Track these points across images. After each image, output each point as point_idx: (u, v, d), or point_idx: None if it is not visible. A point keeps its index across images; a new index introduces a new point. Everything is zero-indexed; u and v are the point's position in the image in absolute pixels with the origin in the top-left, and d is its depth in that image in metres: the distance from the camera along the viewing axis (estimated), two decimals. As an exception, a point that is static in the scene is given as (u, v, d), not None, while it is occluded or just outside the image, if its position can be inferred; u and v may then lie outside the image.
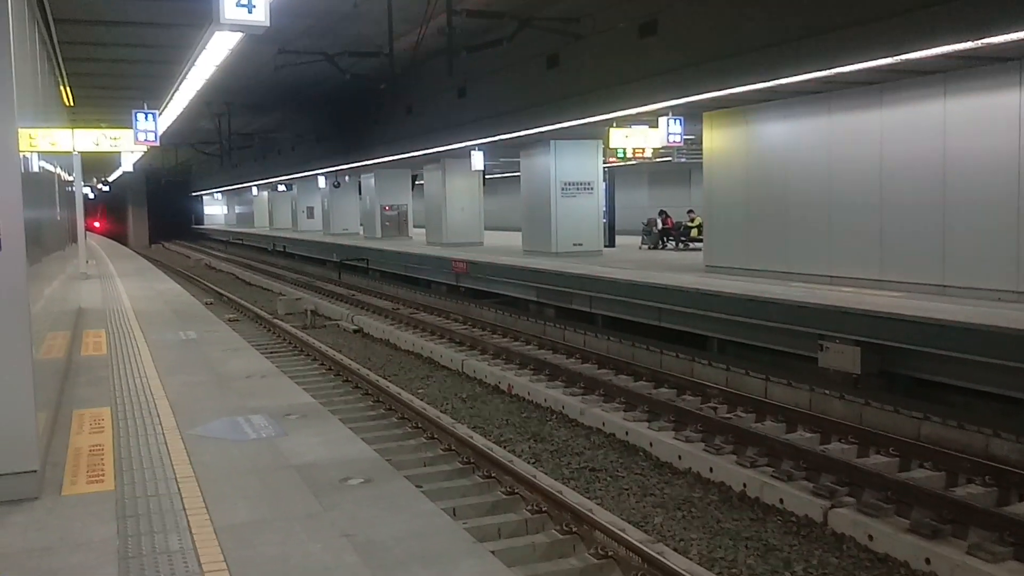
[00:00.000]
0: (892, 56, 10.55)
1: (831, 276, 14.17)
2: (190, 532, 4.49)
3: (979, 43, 9.65)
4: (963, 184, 12.09)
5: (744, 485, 8.06)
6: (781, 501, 7.64)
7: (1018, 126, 11.36)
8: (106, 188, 60.82)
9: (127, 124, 14.61)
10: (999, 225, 11.65)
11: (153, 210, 65.04)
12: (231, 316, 20.13)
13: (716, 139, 17.15)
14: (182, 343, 10.80)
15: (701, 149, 17.87)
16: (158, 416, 6.93)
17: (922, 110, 12.64)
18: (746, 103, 15.49)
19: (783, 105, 15.05)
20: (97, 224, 64.84)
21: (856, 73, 11.76)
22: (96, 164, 37.62)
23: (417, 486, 6.04)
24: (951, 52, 10.21)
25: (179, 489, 5.15)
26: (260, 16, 6.15)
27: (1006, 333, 9.50)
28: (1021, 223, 11.39)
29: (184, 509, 4.83)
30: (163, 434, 6.38)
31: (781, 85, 12.79)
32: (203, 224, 75.85)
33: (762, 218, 15.86)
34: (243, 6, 6.11)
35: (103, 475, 5.44)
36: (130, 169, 35.29)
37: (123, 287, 18.71)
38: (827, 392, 10.79)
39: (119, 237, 58.91)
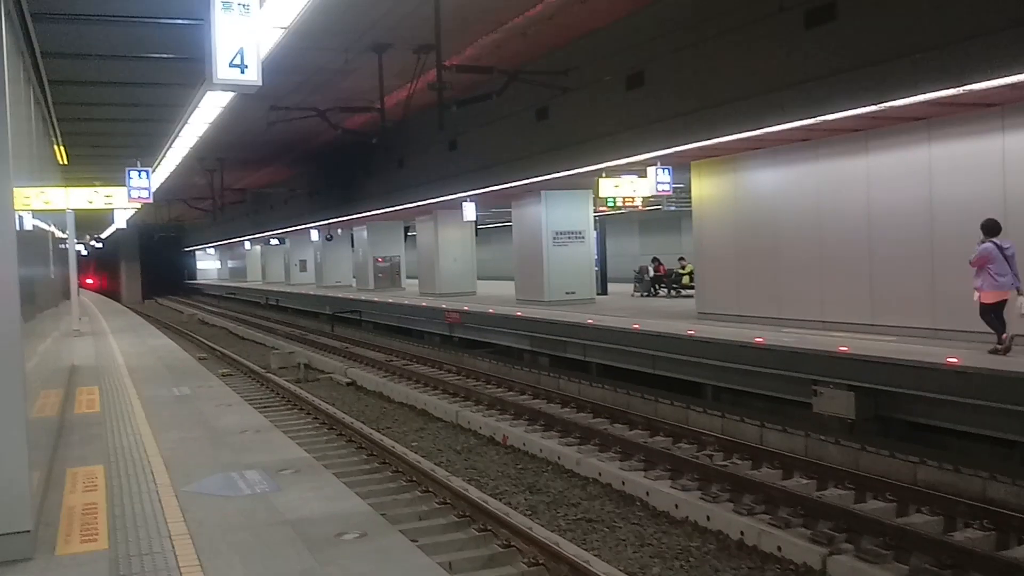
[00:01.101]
0: (876, 104, 10.72)
1: (823, 321, 14.22)
2: (184, 591, 4.45)
3: (961, 90, 9.82)
4: (951, 228, 12.20)
5: (742, 533, 8.01)
6: (779, 549, 7.59)
7: (1002, 171, 11.51)
8: (99, 245, 60.88)
9: (120, 181, 14.74)
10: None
11: (146, 266, 65.07)
12: (224, 371, 20.06)
13: (705, 187, 17.32)
14: (176, 399, 10.76)
15: (690, 197, 18.03)
16: (152, 473, 6.89)
17: (907, 156, 12.81)
18: (734, 152, 15.68)
19: (770, 153, 15.23)
20: (90, 281, 64.79)
21: (841, 121, 11.94)
22: (89, 221, 37.71)
23: (412, 540, 6.02)
24: (934, 99, 10.38)
25: (173, 547, 5.11)
26: (253, 76, 6.23)
27: (998, 376, 9.54)
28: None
29: (178, 567, 4.79)
30: (157, 491, 6.34)
31: (768, 134, 12.98)
32: (196, 279, 75.86)
33: (752, 265, 15.96)
34: (236, 66, 6.19)
35: (97, 534, 5.40)
36: (123, 226, 35.41)
37: (116, 343, 18.67)
38: (822, 438, 10.78)
39: (112, 293, 58.82)
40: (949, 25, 9.79)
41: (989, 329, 10.76)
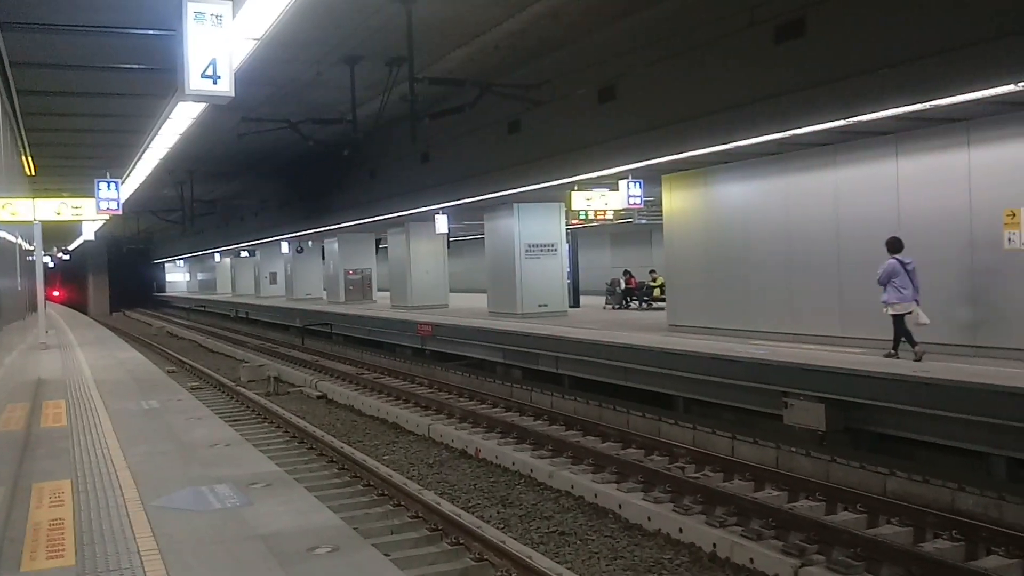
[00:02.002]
0: (844, 118, 10.85)
1: (793, 334, 14.32)
2: (153, 607, 4.39)
3: (927, 105, 9.96)
4: (918, 241, 12.33)
5: (714, 545, 8.03)
6: (752, 561, 7.61)
7: (967, 184, 11.68)
8: (66, 257, 60.17)
9: (89, 193, 14.58)
10: (953, 282, 11.91)
11: (114, 278, 64.39)
12: (193, 384, 19.86)
13: (676, 201, 17.43)
14: (144, 412, 10.63)
15: (661, 210, 18.13)
16: (120, 488, 6.80)
17: (875, 170, 12.97)
18: (704, 165, 15.80)
19: (740, 167, 15.36)
20: (57, 293, 63.97)
21: (810, 135, 12.07)
22: (57, 233, 37.29)
23: (385, 554, 5.98)
24: (901, 114, 10.53)
25: (142, 563, 5.04)
26: (225, 87, 6.20)
27: (966, 387, 9.66)
28: (975, 280, 11.65)
29: (147, 584, 4.72)
30: (125, 506, 6.25)
31: (737, 147, 13.08)
32: (165, 291, 75.17)
33: (723, 277, 16.06)
34: (208, 77, 6.15)
35: (63, 550, 5.31)
36: (91, 238, 35.02)
37: (83, 356, 18.43)
38: (793, 449, 10.85)
39: (79, 306, 58.12)
40: (915, 42, 9.94)
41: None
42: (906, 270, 11.54)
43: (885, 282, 11.65)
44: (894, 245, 11.77)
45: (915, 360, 11.27)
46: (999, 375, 9.87)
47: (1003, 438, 9.43)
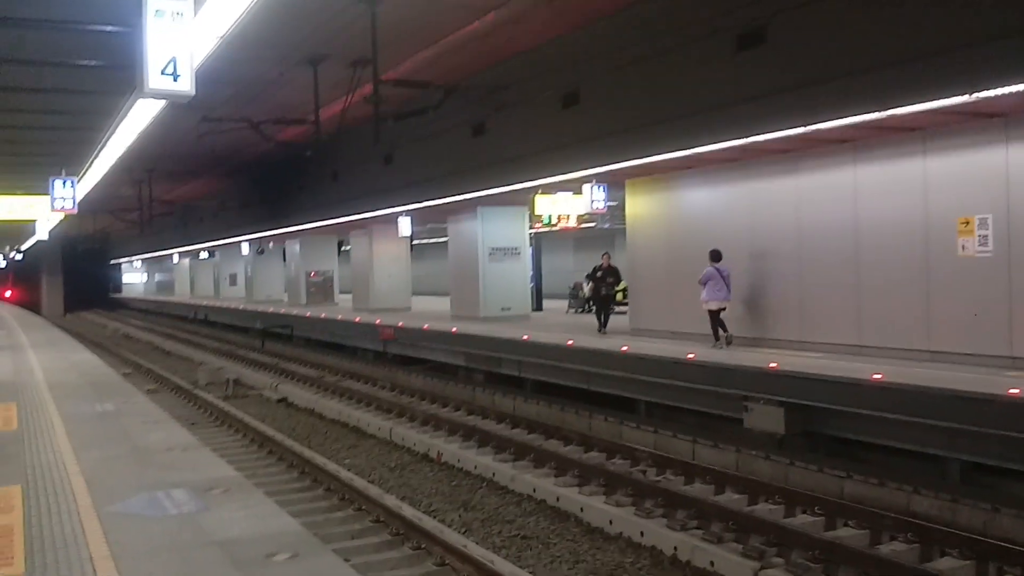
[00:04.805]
0: (804, 126, 10.95)
1: (753, 338, 14.44)
2: (107, 616, 4.29)
3: (884, 114, 10.10)
4: (875, 247, 12.53)
5: (675, 548, 8.06)
6: (712, 564, 7.65)
7: (924, 192, 11.86)
8: (20, 257, 59.05)
9: (44, 191, 14.31)
10: (910, 287, 12.07)
11: (69, 278, 63.29)
12: (150, 387, 19.58)
13: (639, 205, 17.50)
14: (98, 416, 10.43)
15: (624, 215, 18.20)
16: (72, 493, 6.65)
17: (834, 177, 13.12)
18: (667, 170, 15.86)
19: (703, 172, 15.45)
20: (9, 293, 62.77)
21: (771, 142, 12.18)
22: (10, 232, 36.59)
23: (345, 559, 5.92)
24: (859, 123, 10.65)
25: (94, 570, 4.93)
26: (185, 85, 6.11)
27: (920, 391, 9.79)
28: (931, 285, 11.82)
29: (100, 591, 4.62)
30: (78, 512, 6.12)
31: (700, 153, 13.17)
32: (121, 292, 74.05)
33: (685, 282, 16.10)
34: (168, 75, 6.06)
35: (12, 558, 5.18)
36: (45, 237, 34.40)
37: (36, 358, 18.07)
38: (753, 453, 10.93)
39: (32, 306, 57.05)
40: (872, 52, 10.07)
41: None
42: (721, 276, 13.99)
43: (704, 283, 14.09)
44: (715, 256, 14.17)
45: (714, 347, 13.97)
46: (955, 380, 10.02)
47: (958, 442, 9.58)
